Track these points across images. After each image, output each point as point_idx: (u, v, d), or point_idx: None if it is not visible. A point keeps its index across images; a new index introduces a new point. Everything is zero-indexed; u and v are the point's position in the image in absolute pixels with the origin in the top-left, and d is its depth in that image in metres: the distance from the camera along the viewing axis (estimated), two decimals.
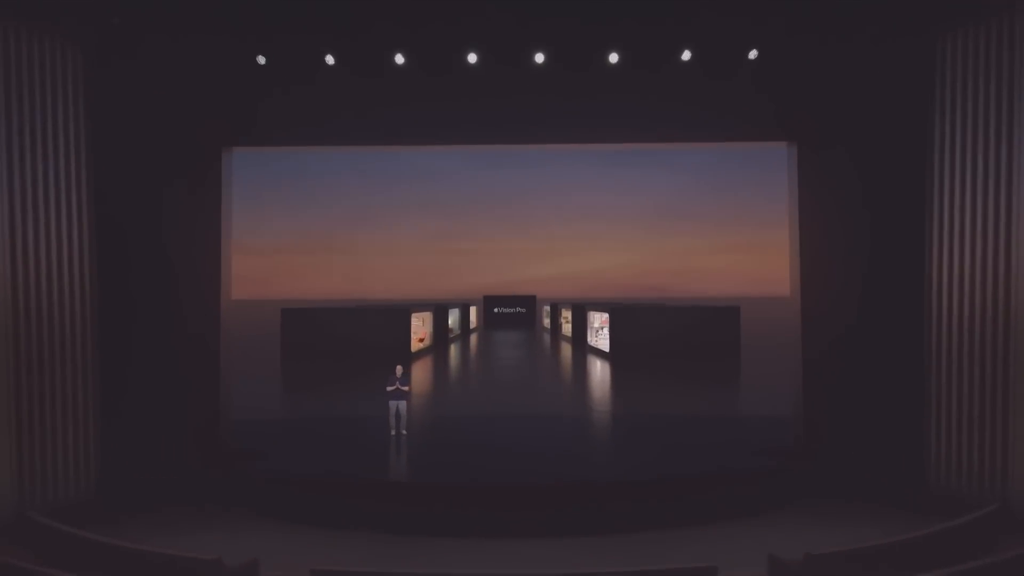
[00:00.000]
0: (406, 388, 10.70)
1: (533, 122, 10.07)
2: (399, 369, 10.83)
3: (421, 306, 30.50)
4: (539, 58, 8.58)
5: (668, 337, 25.64)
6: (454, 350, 31.32)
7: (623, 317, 25.92)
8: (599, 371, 22.40)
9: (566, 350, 30.90)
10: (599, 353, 27.81)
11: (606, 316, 30.30)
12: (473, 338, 39.94)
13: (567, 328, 40.50)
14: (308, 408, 15.15)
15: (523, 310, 53.81)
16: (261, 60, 8.59)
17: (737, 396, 17.08)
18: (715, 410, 14.60)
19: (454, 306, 40.49)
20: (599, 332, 30.29)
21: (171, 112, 9.14)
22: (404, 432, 10.71)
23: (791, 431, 10.34)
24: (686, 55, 8.59)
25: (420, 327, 31.08)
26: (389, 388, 10.65)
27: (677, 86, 9.06)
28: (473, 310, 48.93)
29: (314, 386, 18.91)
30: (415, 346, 28.75)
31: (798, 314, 9.94)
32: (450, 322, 39.51)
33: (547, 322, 48.38)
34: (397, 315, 25.94)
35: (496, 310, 53.71)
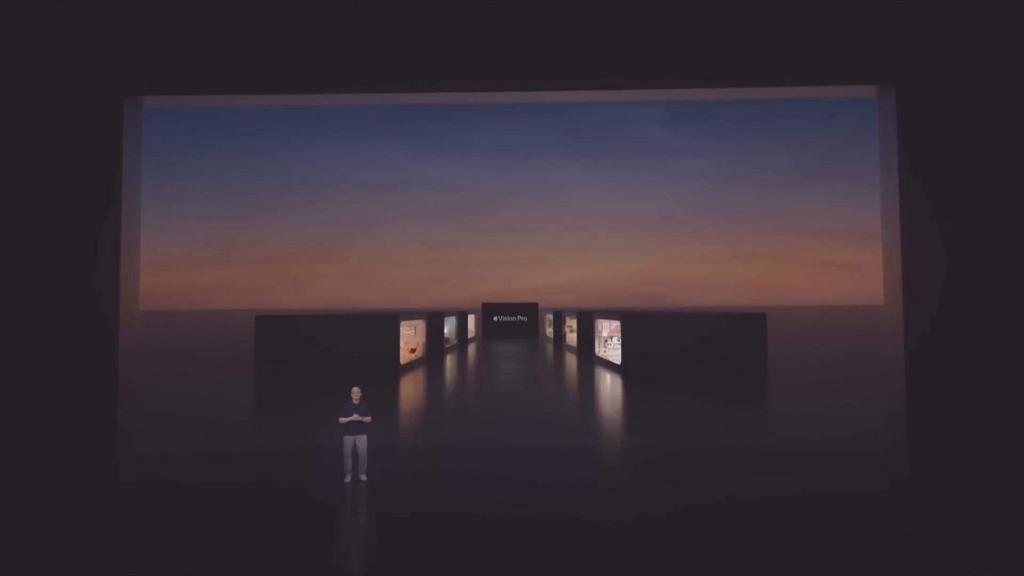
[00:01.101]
0: (367, 419, 8.04)
1: (547, 59, 7.49)
2: (356, 393, 8.16)
3: (412, 314, 27.83)
4: None
5: (687, 348, 22.94)
6: (449, 362, 28.64)
7: (636, 325, 23.22)
8: (610, 387, 19.67)
9: (572, 362, 28.18)
10: (609, 366, 25.11)
11: (616, 324, 27.61)
12: (471, 348, 37.25)
13: (572, 338, 37.79)
14: (255, 437, 12.43)
15: (524, 318, 50.99)
16: None
17: (774, 420, 14.35)
18: (755, 440, 11.89)
19: (450, 314, 37.83)
20: (608, 342, 27.61)
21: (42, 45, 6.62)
22: (364, 478, 8.03)
23: (872, 475, 7.68)
24: None
25: (412, 336, 28.42)
26: (343, 419, 7.97)
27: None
28: (472, 318, 46.26)
29: (275, 408, 16.20)
30: (405, 358, 26.07)
31: (898, 311, 7.24)
32: (446, 331, 36.88)
33: (550, 331, 45.65)
34: (384, 323, 23.29)
35: (496, 318, 50.92)
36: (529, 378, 21.98)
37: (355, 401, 7.99)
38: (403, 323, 27.45)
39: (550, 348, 37.00)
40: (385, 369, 22.96)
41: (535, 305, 51.00)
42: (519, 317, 50.85)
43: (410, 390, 19.08)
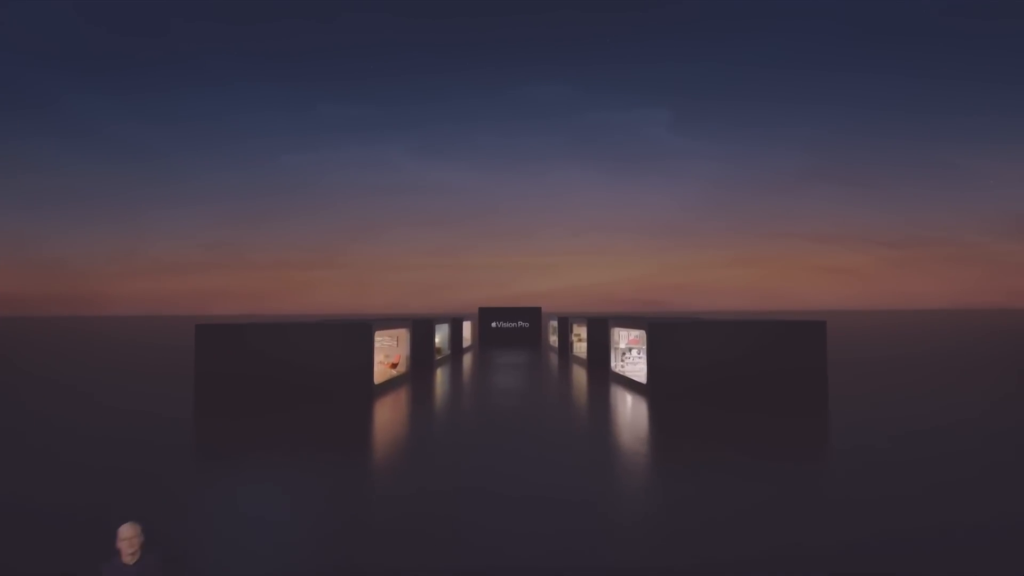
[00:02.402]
0: None
1: None
2: (128, 537, 3.69)
3: (393, 321, 23.42)
4: None
5: (728, 364, 18.55)
6: (440, 377, 24.24)
7: (665, 336, 18.81)
8: (635, 417, 15.28)
9: (583, 379, 23.77)
10: (629, 384, 20.69)
11: (637, 335, 23.23)
12: (467, 359, 32.82)
13: (581, 348, 33.43)
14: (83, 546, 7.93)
15: (526, 325, 46.50)
16: None
17: (860, 473, 9.97)
18: (845, 517, 7.51)
19: (442, 320, 33.43)
20: (627, 355, 23.23)
21: None
22: None
23: None
24: None
25: (394, 349, 24.04)
26: None
27: None
28: (467, 325, 41.87)
29: (176, 469, 11.82)
30: (384, 374, 21.67)
31: None
32: (437, 340, 32.51)
33: (554, 339, 41.27)
34: (355, 333, 18.90)
35: (494, 324, 46.42)
36: (533, 405, 17.59)
37: (125, 559, 3.54)
38: (382, 333, 23.09)
39: (555, 359, 32.59)
40: (355, 390, 18.58)
41: (538, 310, 46.47)
42: (520, 323, 46.36)
43: (384, 419, 14.70)
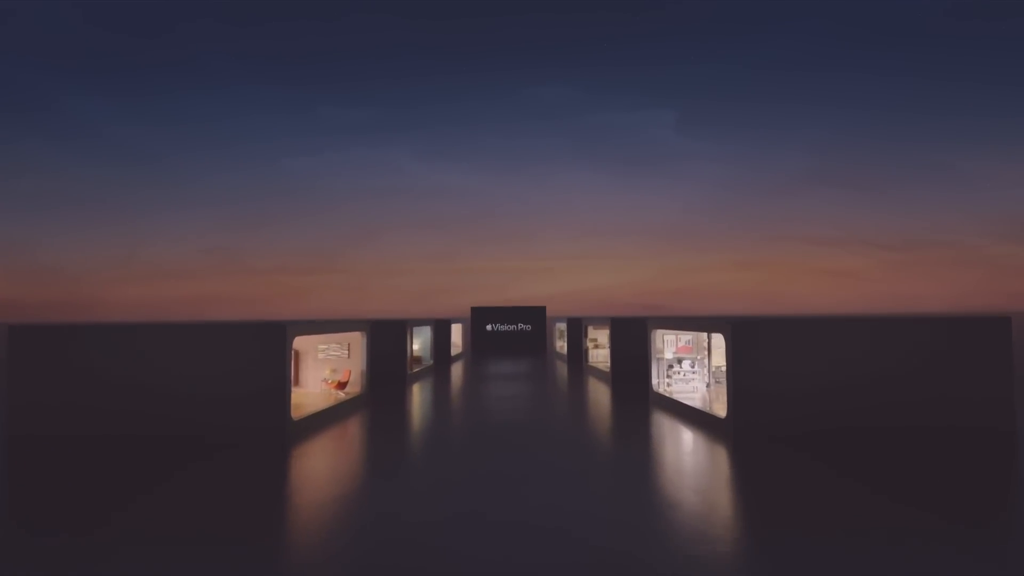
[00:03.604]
0: None
1: None
2: None
3: (336, 324, 16.40)
4: None
5: (861, 385, 11.67)
6: (415, 399, 17.38)
7: (761, 343, 11.89)
8: (720, 480, 8.45)
9: (609, 400, 16.91)
10: (684, 413, 13.70)
11: (688, 340, 16.39)
12: (455, 371, 25.91)
13: (598, 356, 26.57)
14: None
15: (528, 327, 39.63)
16: None
17: None
18: None
19: (422, 323, 26.54)
20: (674, 369, 16.36)
21: None
22: None
23: None
24: None
25: (343, 362, 17.16)
26: None
27: None
28: (457, 329, 35.00)
29: None
30: (323, 400, 14.71)
31: None
32: (417, 347, 25.65)
33: (561, 345, 34.35)
34: (259, 340, 11.97)
35: (489, 327, 39.53)
36: (548, 457, 10.69)
37: None
38: (327, 339, 16.21)
39: (565, 371, 25.70)
40: (259, 430, 11.68)
41: (542, 310, 39.60)
42: (521, 326, 39.49)
43: (300, 483, 7.86)
